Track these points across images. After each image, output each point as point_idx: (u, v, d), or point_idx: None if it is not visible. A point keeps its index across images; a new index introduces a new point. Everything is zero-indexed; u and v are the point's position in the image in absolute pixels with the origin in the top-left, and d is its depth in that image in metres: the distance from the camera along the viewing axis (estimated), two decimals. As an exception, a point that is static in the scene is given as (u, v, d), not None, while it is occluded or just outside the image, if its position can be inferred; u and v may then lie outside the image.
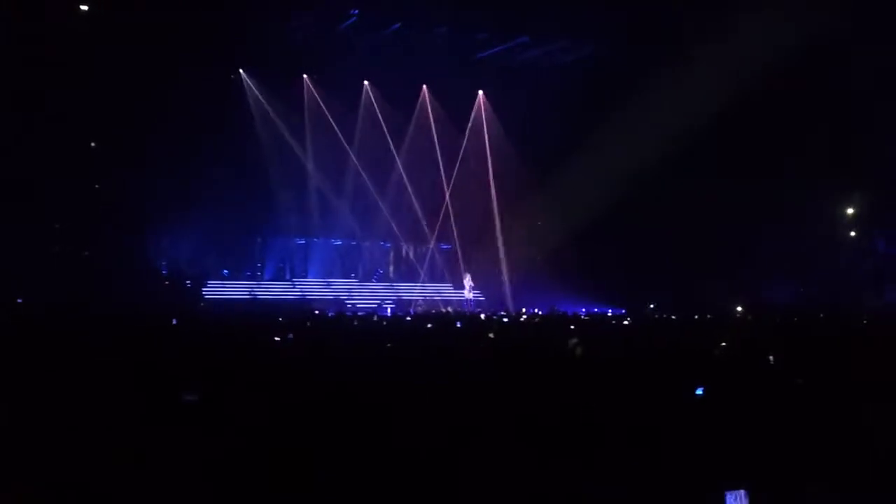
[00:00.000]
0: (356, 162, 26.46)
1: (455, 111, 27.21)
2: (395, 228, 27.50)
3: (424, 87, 27.14)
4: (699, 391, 5.91)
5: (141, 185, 21.80)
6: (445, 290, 27.86)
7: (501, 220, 27.85)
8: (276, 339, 10.12)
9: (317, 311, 20.13)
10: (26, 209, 19.93)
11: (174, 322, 12.98)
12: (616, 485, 4.04)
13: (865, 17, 19.29)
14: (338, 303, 24.31)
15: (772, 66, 20.11)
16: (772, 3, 18.89)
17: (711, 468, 4.12)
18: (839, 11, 18.60)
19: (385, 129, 26.71)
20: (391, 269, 29.05)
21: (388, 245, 28.95)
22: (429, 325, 14.45)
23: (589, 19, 22.87)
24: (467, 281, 26.55)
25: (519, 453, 4.32)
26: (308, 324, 14.21)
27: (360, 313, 20.28)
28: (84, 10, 21.30)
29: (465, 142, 27.61)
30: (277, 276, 26.58)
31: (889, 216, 23.47)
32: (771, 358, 7.07)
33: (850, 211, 24.49)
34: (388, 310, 23.97)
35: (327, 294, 25.69)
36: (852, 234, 24.54)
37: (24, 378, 5.90)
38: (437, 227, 27.41)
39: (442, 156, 27.41)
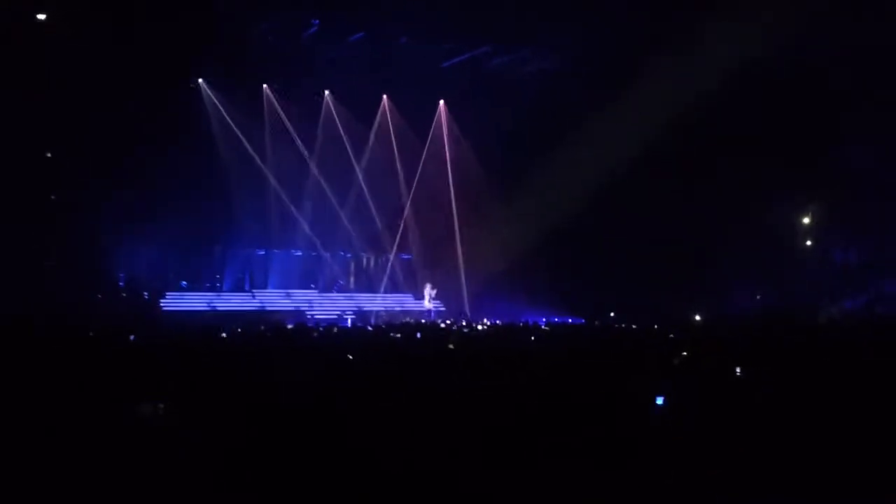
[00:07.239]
0: (316, 172, 26.34)
1: (417, 121, 27.19)
2: (355, 239, 27.37)
3: (385, 96, 27.08)
4: (659, 400, 5.92)
5: (98, 196, 21.47)
6: (406, 301, 27.77)
7: (463, 230, 27.83)
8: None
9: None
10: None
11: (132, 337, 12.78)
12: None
13: (828, 31, 19.55)
14: (298, 314, 24.11)
15: (731, 75, 20.36)
16: (736, 13, 19.10)
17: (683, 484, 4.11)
18: (804, 24, 18.83)
19: (345, 139, 26.64)
20: (352, 279, 28.89)
21: (349, 255, 28.81)
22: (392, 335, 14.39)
23: (553, 29, 23.02)
24: (428, 291, 26.53)
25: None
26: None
27: (321, 325, 20.12)
28: (41, 18, 20.95)
29: (425, 151, 27.59)
30: (237, 288, 26.24)
31: (847, 225, 23.83)
32: (738, 369, 7.12)
33: (806, 220, 24.82)
34: (349, 321, 23.85)
35: (287, 305, 25.46)
36: (808, 243, 24.87)
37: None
38: (398, 237, 27.35)
39: (402, 165, 27.41)
